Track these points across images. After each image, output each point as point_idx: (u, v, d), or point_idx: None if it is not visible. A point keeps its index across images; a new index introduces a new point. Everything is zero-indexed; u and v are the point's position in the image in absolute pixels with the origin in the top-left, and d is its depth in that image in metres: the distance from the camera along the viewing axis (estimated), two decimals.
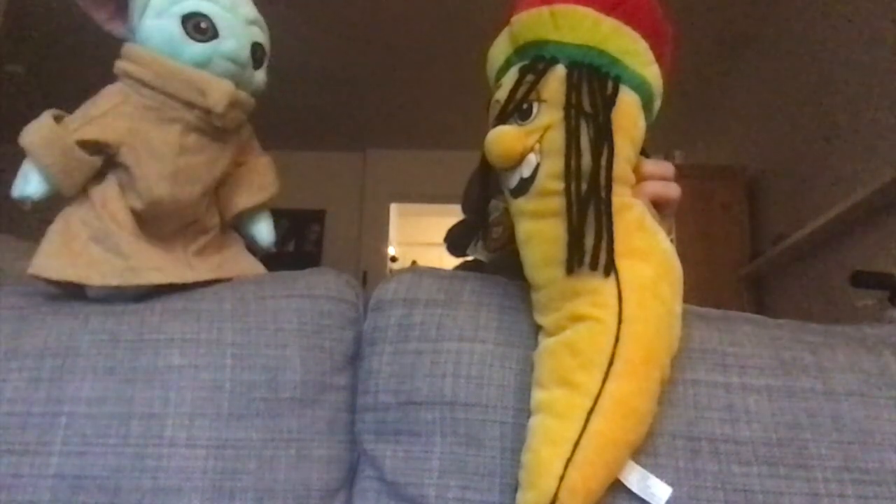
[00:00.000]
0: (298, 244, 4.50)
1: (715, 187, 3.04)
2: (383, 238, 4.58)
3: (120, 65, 0.59)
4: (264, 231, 0.70)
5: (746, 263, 2.92)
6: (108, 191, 0.59)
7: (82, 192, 0.59)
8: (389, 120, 4.20)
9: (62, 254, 0.57)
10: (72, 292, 0.58)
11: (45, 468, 0.49)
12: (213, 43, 0.58)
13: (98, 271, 0.56)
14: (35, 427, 0.50)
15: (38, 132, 0.56)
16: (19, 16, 2.80)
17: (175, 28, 0.57)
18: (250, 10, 0.62)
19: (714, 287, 2.83)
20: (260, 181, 0.68)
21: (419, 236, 5.55)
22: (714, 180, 3.06)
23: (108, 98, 0.59)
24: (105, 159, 0.59)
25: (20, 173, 0.58)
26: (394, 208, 4.79)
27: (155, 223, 0.61)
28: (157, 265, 0.58)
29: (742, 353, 0.53)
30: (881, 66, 2.13)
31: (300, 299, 0.58)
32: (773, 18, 2.87)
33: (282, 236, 4.44)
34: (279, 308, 0.58)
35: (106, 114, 0.58)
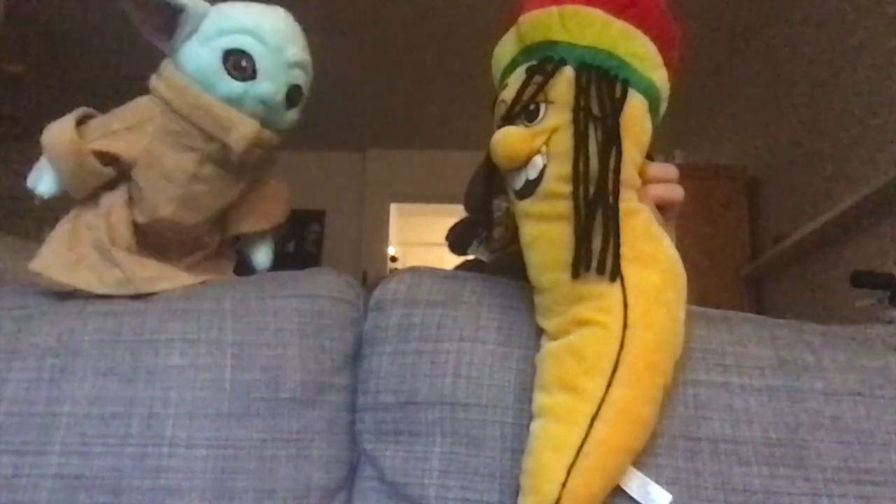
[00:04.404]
0: (298, 244, 4.50)
1: (715, 187, 3.04)
2: (383, 238, 4.58)
3: (154, 82, 0.59)
4: (262, 256, 0.70)
5: (746, 263, 2.92)
6: (116, 200, 0.60)
7: (93, 195, 0.60)
8: (389, 120, 4.20)
9: (65, 255, 0.57)
10: (71, 291, 0.58)
11: (45, 468, 0.49)
12: (250, 83, 0.57)
13: (98, 278, 0.57)
14: (35, 427, 0.50)
15: (60, 136, 0.57)
16: (19, 16, 2.79)
17: (215, 61, 0.57)
18: (297, 52, 0.60)
19: (714, 287, 2.83)
20: (268, 209, 0.68)
21: (419, 236, 5.54)
22: (714, 180, 3.06)
23: (134, 113, 0.59)
24: (119, 171, 0.59)
25: (36, 167, 0.59)
26: (394, 208, 4.79)
27: (155, 236, 0.62)
28: (149, 275, 0.59)
29: (742, 353, 0.53)
30: (881, 65, 2.13)
31: (300, 299, 0.58)
32: (774, 18, 2.87)
33: (282, 236, 4.43)
34: (279, 308, 0.58)
35: (129, 129, 0.58)
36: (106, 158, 0.58)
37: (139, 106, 0.60)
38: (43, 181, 0.58)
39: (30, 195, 0.59)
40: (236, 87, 0.57)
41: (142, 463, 0.50)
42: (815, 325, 0.58)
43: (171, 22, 0.57)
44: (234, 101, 0.58)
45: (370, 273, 4.16)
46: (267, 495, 0.51)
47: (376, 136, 4.44)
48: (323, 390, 0.56)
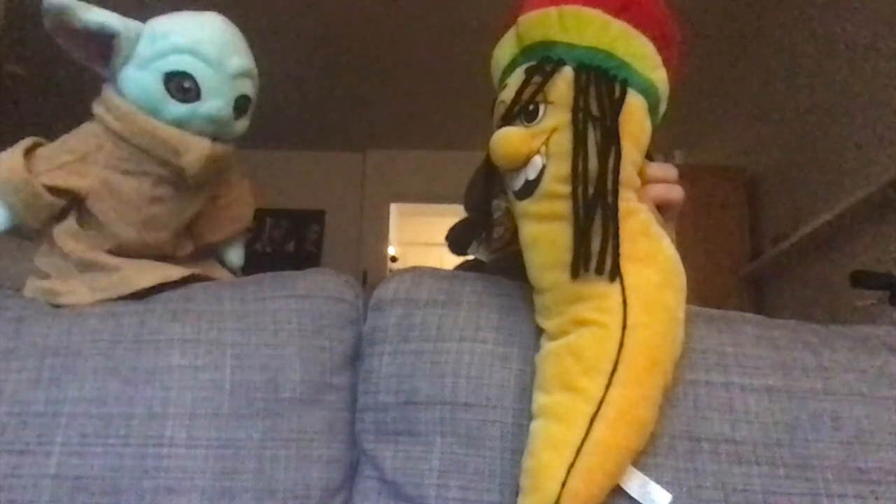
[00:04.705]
0: (298, 244, 4.50)
1: (715, 187, 3.04)
2: (383, 238, 4.58)
3: (97, 110, 0.58)
4: (234, 257, 0.71)
5: (746, 263, 2.92)
6: (69, 228, 0.59)
7: (46, 225, 0.60)
8: (389, 120, 4.19)
9: (52, 280, 0.59)
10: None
11: (45, 468, 0.49)
12: (195, 104, 0.56)
13: (88, 288, 0.57)
14: (35, 427, 0.50)
15: (8, 171, 0.56)
16: (19, 16, 2.79)
17: (157, 85, 0.55)
18: (239, 62, 0.58)
19: (714, 287, 2.83)
20: (233, 215, 0.68)
21: (419, 236, 5.54)
22: (714, 180, 3.06)
23: (82, 142, 0.58)
24: (69, 200, 0.59)
25: None
26: (394, 208, 4.78)
27: (124, 255, 0.61)
28: (143, 270, 0.59)
29: (742, 353, 0.53)
30: (881, 65, 2.13)
31: (300, 299, 0.58)
32: (774, 18, 2.87)
33: (282, 236, 4.44)
34: (279, 308, 0.58)
35: (79, 160, 0.57)
36: (59, 192, 0.57)
37: (87, 134, 0.58)
38: None
39: None
40: (182, 109, 0.56)
41: (142, 463, 0.50)
42: (815, 325, 0.58)
43: (105, 47, 0.56)
44: (182, 123, 0.56)
45: (370, 273, 4.16)
46: (267, 495, 0.51)
47: (376, 136, 4.44)
48: (323, 390, 0.56)
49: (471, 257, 1.14)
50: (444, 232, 1.13)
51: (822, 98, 2.49)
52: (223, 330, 0.55)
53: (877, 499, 0.47)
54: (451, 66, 3.42)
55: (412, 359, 0.54)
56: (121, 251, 0.60)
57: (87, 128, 0.59)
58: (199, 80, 0.55)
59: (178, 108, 0.56)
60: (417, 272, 0.60)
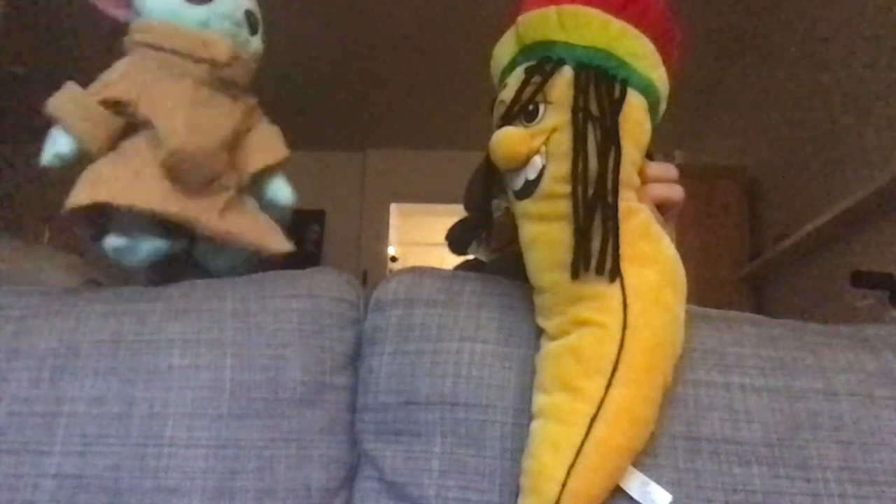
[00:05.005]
0: (298, 244, 4.44)
1: (715, 187, 3.04)
2: (383, 238, 4.57)
3: (129, 38, 0.65)
4: (282, 190, 0.73)
5: (746, 263, 2.92)
6: (138, 145, 0.62)
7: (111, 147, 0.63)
8: (389, 120, 4.19)
9: (119, 173, 0.61)
10: (71, 290, 0.58)
11: (45, 468, 0.49)
12: (210, 5, 0.64)
13: (158, 191, 0.60)
14: (35, 427, 0.50)
15: (63, 95, 0.61)
16: (19, 16, 2.79)
17: None
18: None
19: (714, 287, 2.83)
20: (270, 145, 0.72)
21: (419, 236, 5.54)
22: (714, 180, 3.05)
23: (123, 64, 0.64)
24: (129, 121, 0.63)
25: (47, 139, 0.61)
26: (394, 208, 4.78)
27: (181, 178, 0.63)
28: (189, 205, 0.62)
29: (742, 353, 0.53)
30: (881, 65, 2.13)
31: (300, 299, 0.58)
32: (774, 18, 2.87)
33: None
34: (279, 308, 0.58)
35: (123, 76, 0.63)
36: (112, 106, 0.61)
37: (123, 61, 0.64)
38: (58, 143, 0.60)
39: (51, 166, 0.61)
40: (200, 11, 0.64)
41: (142, 463, 0.50)
42: (815, 325, 0.58)
43: None
44: (203, 25, 0.64)
45: (370, 273, 4.16)
46: (267, 495, 0.51)
47: (376, 136, 4.44)
48: (323, 390, 0.56)
49: (471, 257, 1.14)
50: (444, 232, 1.13)
51: (822, 98, 2.49)
52: (223, 330, 0.55)
53: (877, 499, 0.47)
54: (451, 66, 3.42)
55: (412, 359, 0.54)
56: (177, 164, 0.62)
57: (121, 60, 0.65)
58: None
59: (196, 11, 0.64)
60: (417, 272, 0.60)
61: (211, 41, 0.64)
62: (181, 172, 0.62)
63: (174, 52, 0.63)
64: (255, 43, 0.69)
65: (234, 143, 0.67)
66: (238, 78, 0.67)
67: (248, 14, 0.67)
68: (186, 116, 0.62)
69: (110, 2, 0.66)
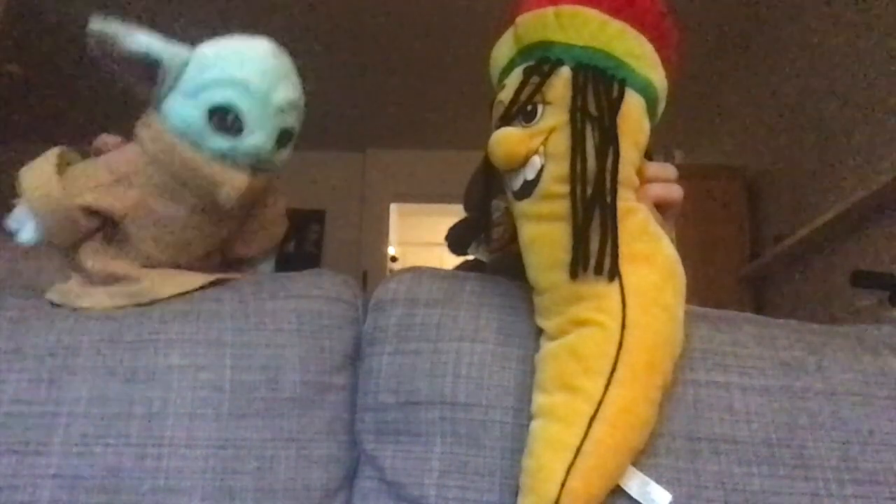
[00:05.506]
0: (298, 244, 4.50)
1: (715, 187, 3.04)
2: (383, 238, 4.58)
3: (141, 134, 0.58)
4: (266, 269, 0.71)
5: (746, 263, 2.92)
6: (93, 247, 0.59)
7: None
8: (389, 120, 4.20)
9: (75, 284, 0.59)
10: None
11: (45, 468, 0.49)
12: (238, 138, 0.55)
13: (108, 295, 0.58)
14: (35, 427, 0.50)
15: (41, 187, 0.55)
16: (19, 16, 2.79)
17: (200, 118, 0.55)
18: (285, 94, 0.57)
19: (714, 287, 2.83)
20: (265, 234, 0.68)
21: (419, 236, 5.54)
22: (714, 180, 3.05)
23: (122, 163, 0.58)
24: (101, 221, 0.58)
25: (16, 212, 0.57)
26: (394, 208, 4.78)
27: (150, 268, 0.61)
28: (164, 280, 0.59)
29: (742, 353, 0.53)
30: (881, 65, 2.13)
31: (300, 300, 0.58)
32: (773, 19, 2.87)
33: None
34: (279, 308, 0.58)
35: (117, 181, 0.57)
36: (93, 212, 0.57)
37: (125, 158, 0.58)
38: (26, 229, 0.57)
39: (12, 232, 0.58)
40: (224, 143, 0.55)
41: (142, 463, 0.50)
42: (815, 325, 0.58)
43: (150, 71, 0.55)
44: (224, 156, 0.56)
45: (370, 273, 4.16)
46: (267, 495, 0.51)
47: (376, 136, 4.44)
48: (323, 390, 0.56)
49: (471, 257, 1.14)
50: (444, 232, 1.13)
51: (821, 98, 2.49)
52: (223, 330, 0.55)
53: (877, 499, 0.47)
54: (452, 66, 3.42)
55: (412, 359, 0.54)
56: (147, 265, 0.60)
57: (128, 149, 0.59)
58: (242, 114, 0.55)
59: (219, 142, 0.55)
60: (417, 272, 0.60)
61: (223, 182, 0.56)
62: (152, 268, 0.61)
63: (183, 184, 0.57)
64: (281, 157, 0.60)
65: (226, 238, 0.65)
66: (240, 208, 0.60)
67: (283, 134, 0.58)
68: (173, 239, 0.59)
69: (131, 75, 0.56)
